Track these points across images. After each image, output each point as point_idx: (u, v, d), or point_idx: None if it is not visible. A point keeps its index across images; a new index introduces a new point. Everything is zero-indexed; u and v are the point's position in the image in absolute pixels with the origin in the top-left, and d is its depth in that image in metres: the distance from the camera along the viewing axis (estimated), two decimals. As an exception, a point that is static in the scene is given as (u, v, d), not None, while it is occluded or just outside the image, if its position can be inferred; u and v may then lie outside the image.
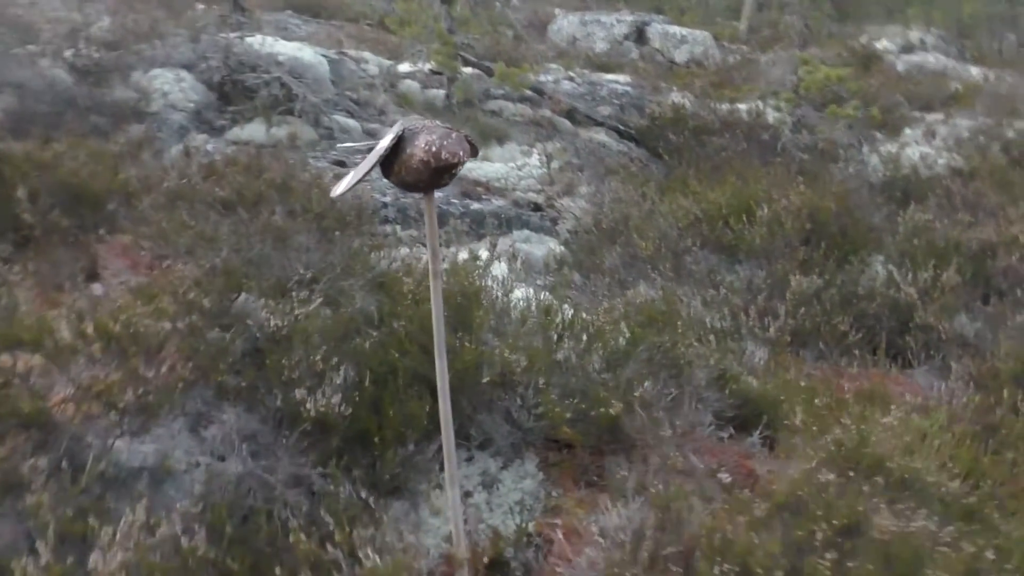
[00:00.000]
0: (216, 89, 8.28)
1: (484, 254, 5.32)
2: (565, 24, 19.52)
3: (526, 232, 7.37)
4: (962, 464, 3.66)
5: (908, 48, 21.02)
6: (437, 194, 7.77)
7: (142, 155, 6.04)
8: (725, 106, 12.23)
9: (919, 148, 11.70)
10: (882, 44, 20.39)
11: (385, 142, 2.28)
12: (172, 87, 8.18)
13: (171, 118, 7.84)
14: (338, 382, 3.30)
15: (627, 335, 4.29)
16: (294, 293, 3.71)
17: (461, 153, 2.25)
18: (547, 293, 5.06)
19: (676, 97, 12.75)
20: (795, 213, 6.77)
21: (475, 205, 7.39)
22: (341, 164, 7.64)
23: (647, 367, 4.16)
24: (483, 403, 3.69)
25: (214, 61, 8.29)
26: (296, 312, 3.42)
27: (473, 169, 8.61)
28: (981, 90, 16.32)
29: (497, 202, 7.63)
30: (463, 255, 5.99)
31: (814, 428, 4.23)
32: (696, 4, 25.42)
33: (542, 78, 12.04)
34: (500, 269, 5.24)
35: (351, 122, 8.84)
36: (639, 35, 19.31)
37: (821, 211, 6.94)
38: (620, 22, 19.50)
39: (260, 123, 7.92)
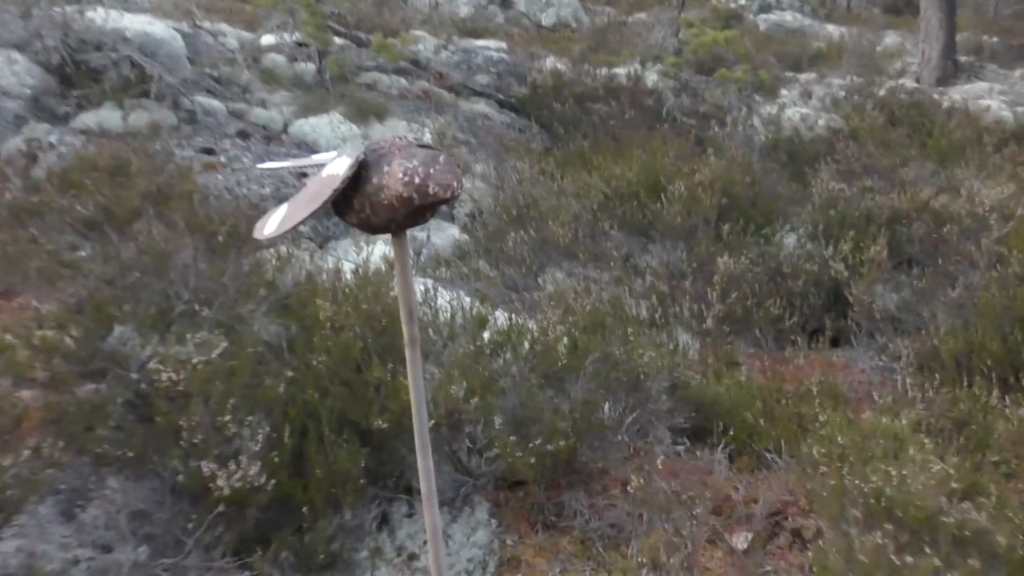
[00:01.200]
0: (56, 72, 7.26)
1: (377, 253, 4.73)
2: (427, -11, 18.76)
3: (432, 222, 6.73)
4: (963, 480, 3.32)
5: (765, 7, 21.21)
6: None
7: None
8: (603, 71, 11.87)
9: (797, 109, 11.60)
10: (738, 3, 20.48)
11: (339, 169, 1.64)
12: (3, 70, 7.13)
13: (4, 106, 6.81)
14: (255, 448, 2.66)
15: (570, 344, 3.77)
16: (184, 333, 3.02)
17: (455, 184, 1.63)
18: (468, 298, 4.47)
19: (553, 63, 12.29)
20: (709, 187, 6.39)
21: (365, 192, 6.70)
22: (209, 151, 6.82)
23: (597, 382, 3.66)
24: (425, 448, 3.11)
25: (51, 40, 7.26)
26: (194, 361, 2.74)
27: (354, 150, 7.90)
28: (844, 48, 16.52)
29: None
30: (363, 255, 5.37)
31: (781, 440, 3.84)
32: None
33: (414, 47, 11.34)
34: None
35: (215, 103, 7.98)
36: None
37: (735, 184, 6.59)
38: (485, -14, 18.91)
39: (111, 108, 6.98)
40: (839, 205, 6.69)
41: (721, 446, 3.89)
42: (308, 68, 9.74)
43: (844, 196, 6.78)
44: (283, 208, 1.79)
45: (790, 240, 6.64)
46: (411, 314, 1.76)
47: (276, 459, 2.77)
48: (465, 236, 6.60)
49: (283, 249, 3.96)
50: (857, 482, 2.76)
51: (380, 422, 2.96)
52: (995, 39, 17.96)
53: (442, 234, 6.68)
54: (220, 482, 2.55)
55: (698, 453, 3.94)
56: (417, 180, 1.58)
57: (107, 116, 6.85)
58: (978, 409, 4.08)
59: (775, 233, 6.71)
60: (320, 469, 2.86)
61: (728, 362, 4.83)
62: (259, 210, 4.88)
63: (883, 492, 2.70)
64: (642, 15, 19.30)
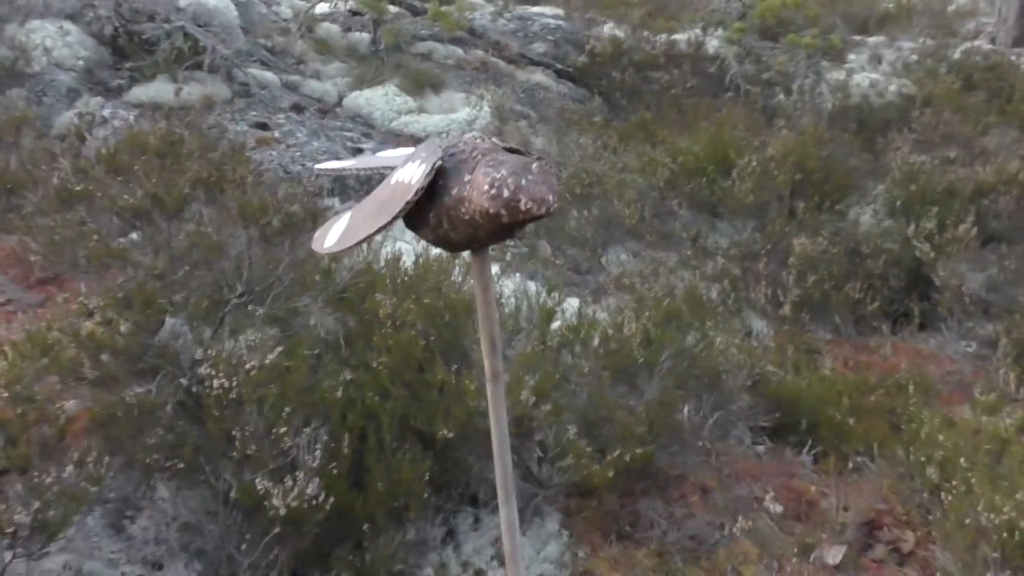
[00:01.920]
0: (109, 43, 7.13)
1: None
2: (481, -45, 18.40)
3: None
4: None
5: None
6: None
7: (23, 129, 4.98)
8: (663, 38, 11.49)
9: (867, 75, 11.10)
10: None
11: (411, 177, 1.41)
12: (56, 42, 7.00)
13: (57, 79, 6.68)
14: (312, 463, 2.47)
15: (643, 339, 3.52)
16: (238, 326, 2.83)
17: (551, 198, 1.38)
18: (530, 282, 4.24)
19: (611, 30, 11.92)
20: (781, 162, 6.06)
21: (421, 168, 6.47)
22: (263, 126, 6.65)
23: (673, 380, 3.41)
24: (492, 455, 2.90)
25: (103, 10, 7.11)
26: (248, 365, 2.55)
27: (410, 123, 7.69)
28: (914, 9, 15.85)
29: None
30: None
31: (871, 441, 3.57)
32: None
33: (470, 15, 11.05)
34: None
35: (268, 75, 7.80)
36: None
37: (808, 158, 6.24)
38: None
39: (165, 81, 6.83)
40: (919, 179, 6.31)
41: (807, 448, 3.63)
42: (362, 38, 9.52)
43: (924, 169, 6.40)
44: (345, 217, 1.57)
45: (865, 217, 6.30)
46: (494, 345, 1.53)
47: (335, 471, 2.58)
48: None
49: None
50: (986, 513, 2.47)
51: (446, 430, 2.75)
52: (1074, -3, 17.08)
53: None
54: (276, 501, 2.36)
55: (781, 454, 3.69)
56: (506, 194, 1.33)
57: (160, 89, 6.70)
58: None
59: (850, 209, 6.37)
60: (381, 481, 2.66)
61: (807, 351, 4.55)
62: (314, 195, 4.69)
63: (1018, 525, 2.42)
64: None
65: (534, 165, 1.36)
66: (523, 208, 1.32)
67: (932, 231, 5.57)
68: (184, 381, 2.72)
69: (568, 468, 2.91)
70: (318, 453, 2.51)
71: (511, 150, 1.45)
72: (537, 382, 2.99)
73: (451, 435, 2.76)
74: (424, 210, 1.44)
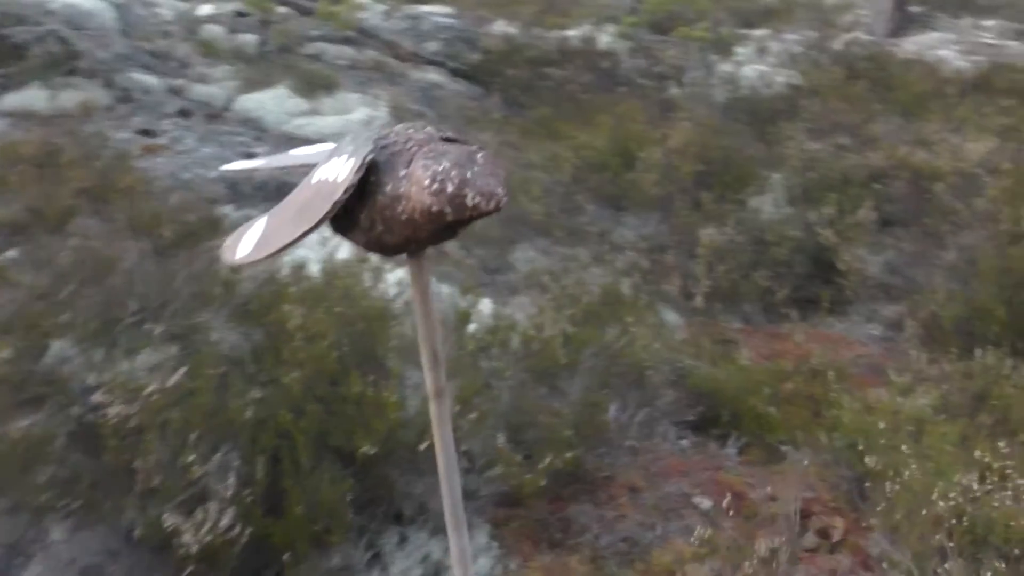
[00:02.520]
0: (-26, 50, 6.70)
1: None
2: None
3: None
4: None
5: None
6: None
7: None
8: (555, 34, 11.54)
9: (754, 67, 11.31)
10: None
11: (338, 174, 1.25)
12: (-85, 50, 6.54)
13: (-83, 90, 6.24)
14: (225, 492, 2.28)
15: (563, 338, 3.42)
16: (133, 347, 2.62)
17: (500, 191, 1.24)
18: (445, 286, 4.10)
19: (503, 27, 11.87)
20: (683, 153, 6.06)
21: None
22: (148, 133, 6.32)
23: (596, 379, 3.32)
24: (417, 470, 2.76)
25: (-33, 15, 6.68)
26: (148, 390, 2.35)
27: (304, 125, 7.44)
28: (795, 3, 16.24)
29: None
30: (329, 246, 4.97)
31: (798, 432, 3.55)
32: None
33: (360, 15, 10.82)
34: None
35: (151, 79, 7.43)
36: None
37: (710, 149, 6.27)
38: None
39: (38, 88, 6.43)
40: (816, 166, 6.41)
41: (733, 439, 3.59)
42: (249, 39, 9.19)
43: (821, 156, 6.50)
44: (260, 223, 1.40)
45: (766, 206, 6.35)
46: (436, 358, 1.38)
47: (249, 498, 2.40)
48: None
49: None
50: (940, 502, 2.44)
51: (368, 446, 2.59)
52: (940, -11, 17.82)
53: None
54: (186, 536, 2.17)
55: (705, 448, 3.65)
56: (450, 188, 1.18)
57: (33, 96, 6.30)
58: (994, 381, 3.82)
59: (750, 199, 6.42)
60: (300, 505, 2.49)
61: (722, 341, 4.53)
62: (210, 203, 4.46)
63: (965, 511, 2.39)
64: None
65: (479, 155, 1.22)
66: (470, 204, 1.18)
67: (832, 217, 5.65)
68: (76, 410, 2.49)
69: (496, 478, 2.78)
70: (231, 480, 2.33)
71: (449, 139, 1.31)
72: (460, 389, 2.86)
73: (373, 451, 2.60)
74: (353, 211, 1.28)
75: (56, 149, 4.05)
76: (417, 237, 1.28)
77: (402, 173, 1.23)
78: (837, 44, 12.29)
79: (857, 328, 4.97)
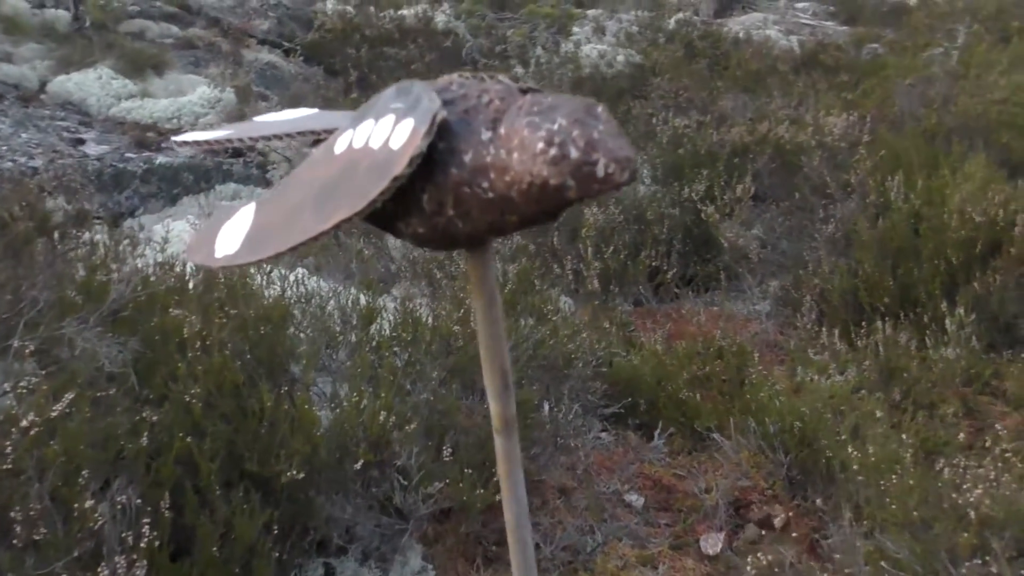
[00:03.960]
0: None
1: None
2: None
3: (232, 186, 5.80)
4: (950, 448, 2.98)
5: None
6: (99, 148, 5.80)
7: None
8: (390, 13, 11.19)
9: (594, 46, 11.32)
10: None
11: (397, 138, 0.87)
12: None
13: None
14: (127, 538, 1.85)
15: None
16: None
17: (633, 156, 0.88)
18: (320, 281, 3.72)
19: (337, 5, 11.39)
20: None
21: (160, 159, 5.67)
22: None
23: (517, 372, 3.04)
24: (345, 492, 2.39)
25: None
26: (25, 422, 1.88)
27: (133, 109, 6.78)
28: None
29: (184, 152, 5.93)
30: (171, 228, 4.47)
31: (719, 417, 3.38)
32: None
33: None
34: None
35: (-51, 59, 6.59)
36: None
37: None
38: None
39: None
40: (683, 142, 6.35)
41: (654, 430, 3.39)
42: (59, 15, 8.35)
43: (687, 133, 6.45)
44: (245, 212, 1.02)
45: (638, 184, 6.24)
46: (505, 380, 1.05)
47: (154, 542, 1.98)
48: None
49: (95, 237, 3.06)
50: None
51: (291, 471, 2.21)
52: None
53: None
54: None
55: (626, 440, 3.43)
56: (575, 153, 0.83)
57: None
58: (903, 355, 3.80)
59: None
60: (211, 543, 2.09)
61: (620, 324, 4.34)
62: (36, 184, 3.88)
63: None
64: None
65: (598, 108, 0.89)
66: (600, 174, 0.85)
67: (705, 193, 5.58)
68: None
69: (433, 495, 2.45)
70: (144, 525, 1.90)
71: (530, 90, 0.97)
72: (382, 398, 2.51)
73: (299, 475, 2.22)
74: (409, 191, 0.93)
75: None
76: (503, 224, 0.93)
77: (486, 136, 0.89)
78: (670, 24, 12.48)
79: (747, 305, 4.90)
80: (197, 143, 1.29)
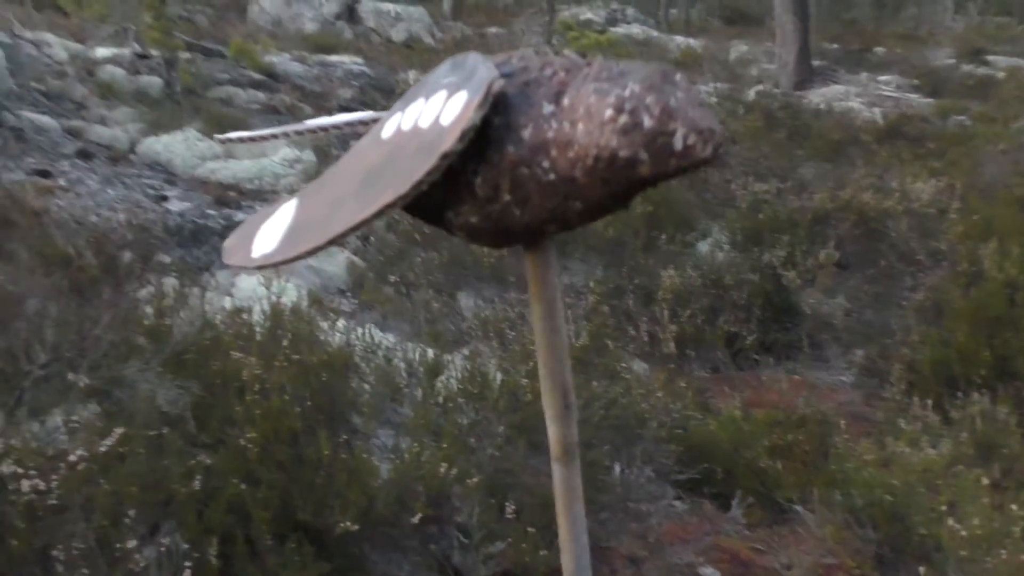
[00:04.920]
0: None
1: (285, 283, 3.89)
2: (267, 4, 17.83)
3: (308, 244, 5.81)
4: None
5: (612, 20, 21.19)
6: (182, 205, 5.89)
7: None
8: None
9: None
10: (588, 16, 20.41)
11: (447, 114, 0.80)
12: None
13: None
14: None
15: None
16: (43, 407, 2.09)
17: (718, 128, 0.78)
18: (383, 333, 3.66)
19: (417, 76, 11.60)
20: (631, 194, 5.76)
21: (239, 215, 5.73)
22: (44, 174, 5.70)
23: (589, 432, 2.90)
24: (401, 548, 2.28)
25: None
26: (73, 456, 1.83)
27: (217, 169, 6.92)
28: (701, 57, 16.49)
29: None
30: (247, 284, 4.47)
31: (804, 488, 3.18)
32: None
33: (269, 59, 10.36)
34: (291, 295, 3.78)
35: (45, 119, 6.82)
36: (350, 14, 18.21)
37: (658, 190, 5.98)
38: (329, 0, 18.20)
39: (-84, 127, 5.77)
40: (763, 208, 6.20)
41: (731, 499, 3.20)
42: (153, 81, 8.64)
43: (767, 199, 6.30)
44: (286, 208, 0.94)
45: (712, 249, 6.11)
46: (567, 400, 0.94)
47: (201, 592, 1.89)
48: (358, 260, 5.72)
49: (169, 283, 3.05)
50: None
51: (345, 522, 2.11)
52: (835, 45, 18.45)
53: (330, 260, 5.79)
54: (130, 651, 1.66)
55: (701, 509, 3.25)
56: (648, 121, 0.73)
57: (-89, 136, 5.64)
58: (1002, 429, 3.55)
59: (698, 241, 6.18)
60: (263, 596, 1.99)
61: (698, 391, 4.17)
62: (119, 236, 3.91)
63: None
64: (493, 28, 18.84)
65: (676, 75, 0.79)
66: (679, 146, 0.74)
67: (786, 259, 5.42)
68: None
69: (494, 555, 2.32)
70: (189, 571, 1.82)
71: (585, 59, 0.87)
72: (443, 449, 2.40)
73: (354, 527, 2.11)
74: (459, 176, 0.84)
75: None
76: (565, 211, 0.83)
77: (548, 109, 0.79)
78: (750, 95, 12.42)
79: (830, 374, 4.69)
80: (242, 139, 1.23)
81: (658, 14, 24.44)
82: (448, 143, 0.77)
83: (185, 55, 9.05)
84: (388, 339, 3.63)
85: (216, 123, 7.63)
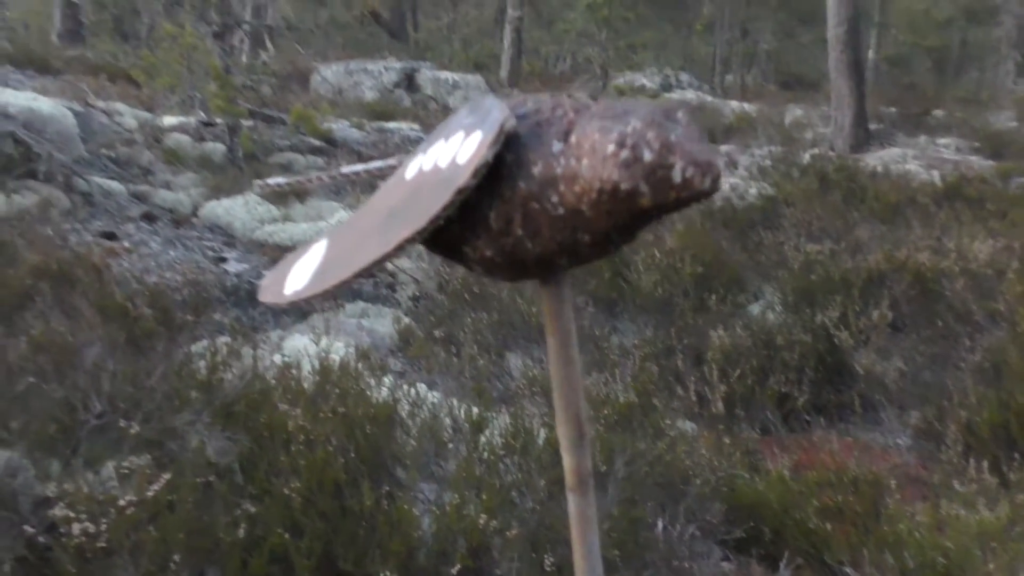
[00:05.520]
0: (-76, 151, 6.30)
1: (334, 342, 3.96)
2: (329, 74, 18.36)
3: (361, 304, 5.93)
4: None
5: (667, 86, 21.37)
6: (239, 266, 6.03)
7: None
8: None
9: (726, 179, 11.33)
10: (643, 83, 20.61)
11: (463, 152, 0.85)
12: None
13: None
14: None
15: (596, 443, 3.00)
16: (97, 456, 2.15)
17: (717, 163, 0.82)
18: (429, 390, 3.70)
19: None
20: (681, 254, 5.78)
21: (294, 276, 5.84)
22: (110, 236, 5.91)
23: (632, 488, 2.89)
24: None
25: (-81, 115, 6.30)
26: (123, 501, 1.89)
27: (275, 232, 7.09)
28: (756, 121, 16.54)
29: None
30: (298, 343, 4.54)
31: (854, 551, 3.12)
32: (458, 51, 24.81)
33: (328, 126, 10.64)
34: (339, 353, 3.84)
35: (113, 184, 7.08)
36: (409, 82, 18.64)
37: (706, 250, 6.00)
38: (388, 70, 18.69)
39: (-9, 190, 6.02)
40: (815, 268, 6.16)
41: (783, 561, 3.15)
42: (216, 148, 8.94)
43: (820, 259, 6.27)
44: (317, 248, 1.00)
45: (763, 309, 6.07)
46: (580, 430, 0.97)
47: (243, 638, 1.92)
48: (409, 321, 5.80)
49: (222, 341, 3.13)
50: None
51: (386, 572, 2.13)
52: (893, 109, 18.37)
53: (380, 320, 5.87)
54: None
55: (749, 571, 3.20)
56: (648, 155, 0.78)
57: (-14, 199, 5.88)
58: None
59: (749, 303, 6.15)
60: (303, 646, 2.01)
61: (746, 451, 4.12)
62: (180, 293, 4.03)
63: None
64: (548, 94, 19.12)
65: (679, 113, 0.84)
66: (677, 179, 0.79)
67: (839, 320, 5.36)
68: (27, 530, 2.01)
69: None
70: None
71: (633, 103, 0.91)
72: (484, 501, 2.42)
73: (394, 578, 2.13)
74: (476, 210, 0.89)
75: (9, 242, 3.61)
76: (575, 244, 0.87)
77: (557, 147, 0.84)
78: (805, 158, 12.41)
79: (884, 435, 4.60)
80: (279, 184, 1.30)
81: (713, 79, 24.66)
82: (463, 179, 0.82)
83: (248, 122, 9.35)
84: (434, 396, 3.67)
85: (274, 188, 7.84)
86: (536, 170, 0.85)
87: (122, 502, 1.88)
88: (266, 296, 1.01)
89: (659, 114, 0.81)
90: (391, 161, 1.23)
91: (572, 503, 0.98)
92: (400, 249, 0.86)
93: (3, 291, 2.64)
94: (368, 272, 0.90)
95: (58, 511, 1.91)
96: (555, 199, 0.84)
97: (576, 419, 0.96)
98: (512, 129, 0.85)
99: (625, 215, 0.82)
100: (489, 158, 0.83)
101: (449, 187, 0.83)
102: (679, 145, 0.79)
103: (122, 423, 2.28)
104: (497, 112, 0.86)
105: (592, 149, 0.81)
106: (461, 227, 0.90)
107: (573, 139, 0.84)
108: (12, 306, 2.66)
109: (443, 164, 0.88)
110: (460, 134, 0.89)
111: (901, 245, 7.19)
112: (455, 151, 0.87)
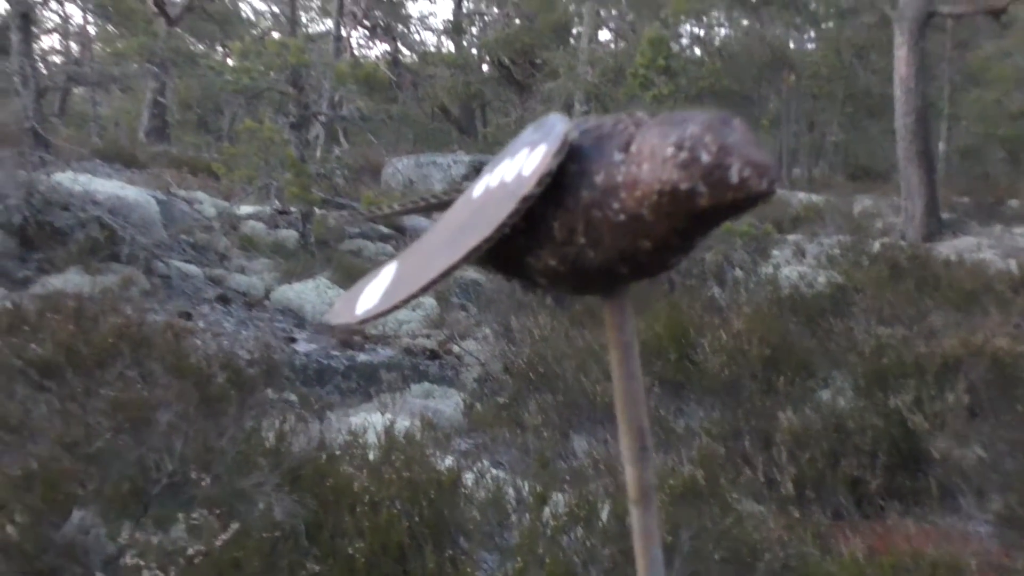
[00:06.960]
0: (17, 233, 6.59)
1: (399, 420, 3.99)
2: (400, 167, 18.87)
3: (426, 385, 5.98)
4: None
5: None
6: (308, 346, 6.12)
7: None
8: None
9: (794, 268, 11.29)
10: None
11: (527, 166, 0.88)
12: (-45, 233, 6.45)
13: (-44, 272, 6.09)
14: None
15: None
16: (167, 516, 2.20)
17: (773, 165, 0.84)
18: (493, 470, 3.69)
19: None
20: (749, 337, 5.73)
21: (362, 357, 5.96)
22: (186, 316, 6.08)
23: (698, 563, 2.84)
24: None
25: (13, 200, 6.61)
26: (190, 551, 1.92)
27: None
28: (824, 211, 16.47)
29: (384, 352, 6.23)
30: (360, 420, 4.59)
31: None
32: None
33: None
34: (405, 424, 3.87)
35: (191, 267, 7.32)
36: (477, 173, 19.06)
37: (773, 333, 5.94)
38: (457, 163, 19.14)
39: (78, 272, 6.28)
40: (887, 352, 6.05)
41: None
42: (289, 235, 9.21)
43: (892, 343, 6.16)
44: (387, 270, 1.04)
45: (825, 395, 5.96)
46: (643, 442, 0.99)
47: None
48: (474, 401, 5.82)
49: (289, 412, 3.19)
50: None
51: (447, 633, 2.12)
52: (965, 199, 18.16)
53: (447, 401, 5.91)
54: None
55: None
56: (706, 157, 0.81)
57: (73, 280, 6.13)
58: None
59: (819, 387, 6.04)
60: None
61: (817, 535, 4.01)
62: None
63: None
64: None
65: (734, 120, 0.87)
66: (734, 179, 0.81)
67: (914, 404, 5.24)
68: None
69: None
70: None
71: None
72: (548, 566, 2.40)
73: (456, 640, 2.12)
74: (540, 223, 0.92)
75: (93, 316, 3.75)
76: (636, 251, 0.90)
77: (619, 157, 0.88)
78: (875, 247, 12.30)
79: (963, 521, 4.44)
80: (385, 215, 1.35)
81: (780, 172, 24.74)
82: (528, 187, 0.86)
83: (320, 211, 9.63)
84: (499, 475, 3.67)
85: (345, 272, 8.02)
86: (598, 179, 0.89)
87: (191, 551, 1.91)
88: (337, 318, 1.05)
89: (716, 120, 0.85)
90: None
91: (635, 516, 0.99)
92: (468, 257, 0.90)
93: (86, 348, 2.76)
94: (438, 283, 0.94)
95: (128, 559, 1.95)
96: (616, 206, 0.87)
97: (639, 431, 0.98)
98: (575, 140, 0.90)
99: (684, 218, 0.85)
100: (553, 167, 0.87)
101: (515, 196, 0.87)
102: (736, 147, 0.82)
103: (193, 475, 2.33)
104: (561, 125, 0.91)
105: (652, 154, 0.84)
106: (525, 238, 0.94)
107: (634, 148, 0.88)
108: (93, 364, 2.76)
109: (509, 179, 0.92)
110: (525, 150, 0.94)
111: (977, 331, 7.02)
112: (520, 165, 0.91)
